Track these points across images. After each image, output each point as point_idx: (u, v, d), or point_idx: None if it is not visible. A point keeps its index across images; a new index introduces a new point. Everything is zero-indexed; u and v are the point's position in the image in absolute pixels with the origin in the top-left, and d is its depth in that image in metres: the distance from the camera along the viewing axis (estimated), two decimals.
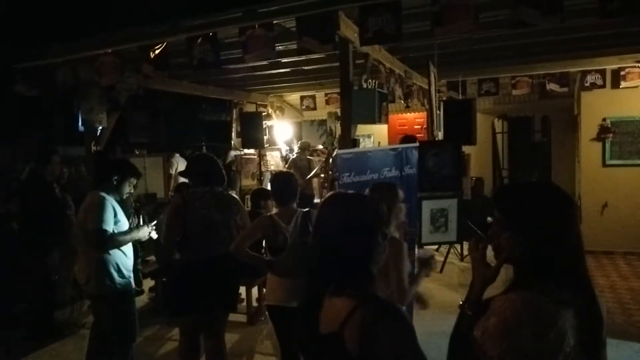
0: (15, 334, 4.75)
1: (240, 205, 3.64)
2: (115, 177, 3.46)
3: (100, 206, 3.28)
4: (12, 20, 5.14)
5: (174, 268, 3.51)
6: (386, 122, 4.94)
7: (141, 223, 4.46)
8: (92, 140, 5.82)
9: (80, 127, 5.96)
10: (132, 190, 3.68)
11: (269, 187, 4.91)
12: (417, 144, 4.44)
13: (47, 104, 6.39)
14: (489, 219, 1.81)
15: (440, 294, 5.64)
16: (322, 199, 1.65)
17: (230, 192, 3.74)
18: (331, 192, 1.70)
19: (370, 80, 4.82)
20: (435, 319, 4.83)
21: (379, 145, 9.06)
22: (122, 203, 4.62)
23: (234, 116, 9.38)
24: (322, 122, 10.91)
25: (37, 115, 6.71)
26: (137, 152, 7.80)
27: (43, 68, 5.40)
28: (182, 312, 3.49)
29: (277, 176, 3.61)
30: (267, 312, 3.55)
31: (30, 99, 5.85)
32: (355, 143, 4.51)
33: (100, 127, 5.86)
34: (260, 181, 8.56)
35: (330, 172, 6.67)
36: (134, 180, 3.58)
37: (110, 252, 3.34)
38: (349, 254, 1.42)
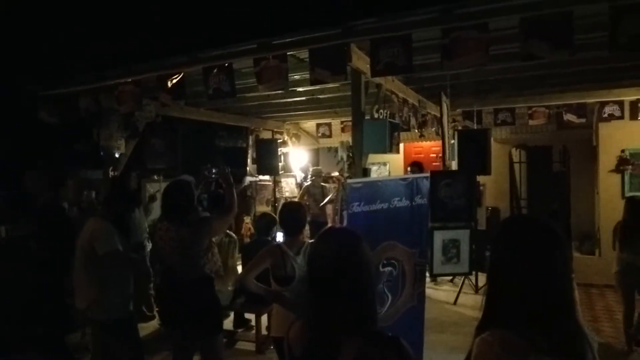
0: (28, 356, 4.79)
1: (208, 223, 3.56)
2: (121, 207, 3.56)
3: (106, 230, 3.38)
4: (37, 50, 5.35)
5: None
6: (397, 152, 4.95)
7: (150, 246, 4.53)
8: (110, 166, 5.96)
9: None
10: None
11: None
12: (427, 174, 4.41)
13: (70, 129, 6.57)
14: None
15: (454, 328, 5.54)
16: (316, 236, 1.65)
17: (203, 215, 3.74)
18: (324, 229, 1.71)
19: (382, 111, 4.85)
20: (446, 354, 4.74)
21: (389, 175, 9.05)
22: (134, 228, 4.68)
23: (250, 143, 9.50)
24: None
25: (61, 140, 6.89)
26: (155, 177, 7.93)
27: (66, 96, 5.58)
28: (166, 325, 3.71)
29: (285, 207, 3.63)
30: (273, 344, 3.54)
31: (55, 125, 6.02)
32: (365, 172, 4.52)
33: (119, 153, 6.01)
34: (275, 207, 8.60)
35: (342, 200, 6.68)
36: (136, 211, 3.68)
37: (113, 276, 3.39)
38: (348, 292, 1.42)
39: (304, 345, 1.48)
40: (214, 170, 3.83)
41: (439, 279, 7.09)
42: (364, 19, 3.89)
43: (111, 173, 5.87)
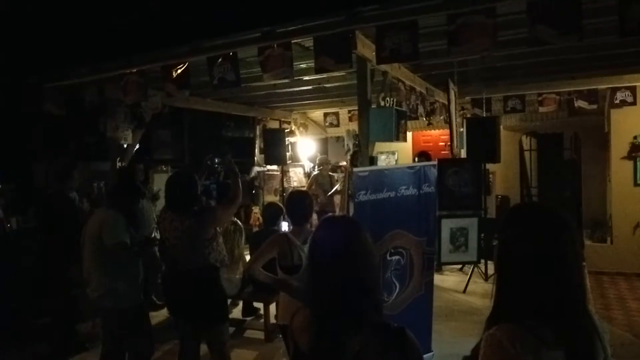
0: (38, 347, 4.85)
1: (212, 213, 3.61)
2: (126, 198, 3.59)
3: (114, 221, 3.41)
4: (42, 42, 5.35)
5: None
6: (404, 140, 4.90)
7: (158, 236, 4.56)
8: (118, 157, 5.98)
9: None
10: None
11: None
12: (435, 163, 4.37)
13: (78, 121, 6.59)
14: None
15: (464, 315, 5.52)
16: (316, 226, 1.63)
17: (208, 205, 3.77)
18: (323, 218, 1.69)
19: (388, 99, 4.80)
20: (455, 342, 4.73)
21: (396, 163, 9.01)
22: (142, 219, 4.69)
23: (257, 133, 9.48)
24: None
25: (69, 132, 6.91)
26: (163, 168, 7.96)
27: (71, 87, 5.58)
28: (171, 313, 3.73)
29: (291, 196, 3.63)
30: (280, 331, 3.55)
31: (62, 117, 6.05)
32: (372, 161, 4.50)
33: (126, 144, 6.03)
34: (283, 197, 8.60)
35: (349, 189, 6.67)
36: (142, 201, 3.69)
37: (123, 266, 3.41)
38: (349, 282, 1.40)
39: (308, 335, 1.46)
40: (216, 160, 3.82)
41: (444, 268, 7.05)
42: (369, 5, 3.84)
43: (119, 164, 5.90)
